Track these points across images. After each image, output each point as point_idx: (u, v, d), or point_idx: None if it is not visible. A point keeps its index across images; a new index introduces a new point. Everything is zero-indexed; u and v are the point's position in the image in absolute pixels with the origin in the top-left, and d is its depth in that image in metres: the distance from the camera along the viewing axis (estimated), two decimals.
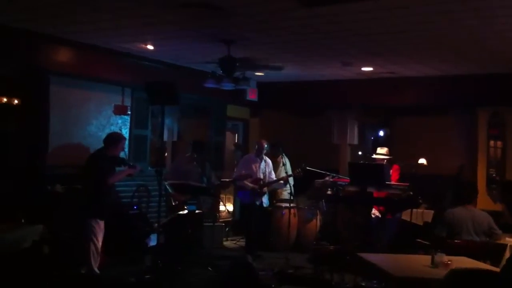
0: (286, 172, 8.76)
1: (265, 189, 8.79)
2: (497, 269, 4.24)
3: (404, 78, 9.39)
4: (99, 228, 6.63)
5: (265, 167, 8.84)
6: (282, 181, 8.92)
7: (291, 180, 8.91)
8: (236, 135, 11.71)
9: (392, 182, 7.86)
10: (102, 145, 6.97)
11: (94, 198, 6.61)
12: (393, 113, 10.71)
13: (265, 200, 8.85)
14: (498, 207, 8.21)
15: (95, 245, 6.58)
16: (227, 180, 9.31)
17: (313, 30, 6.43)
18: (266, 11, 5.73)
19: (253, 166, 8.76)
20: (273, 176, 8.96)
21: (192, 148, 8.29)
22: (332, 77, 9.73)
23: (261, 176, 8.74)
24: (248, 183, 8.63)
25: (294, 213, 9.13)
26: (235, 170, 9.14)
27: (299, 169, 8.75)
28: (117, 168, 6.92)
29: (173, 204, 7.90)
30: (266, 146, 8.82)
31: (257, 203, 8.68)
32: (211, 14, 5.84)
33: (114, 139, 6.90)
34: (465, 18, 5.66)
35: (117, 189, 7.89)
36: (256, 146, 8.94)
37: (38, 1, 5.77)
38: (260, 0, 5.38)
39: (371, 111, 10.66)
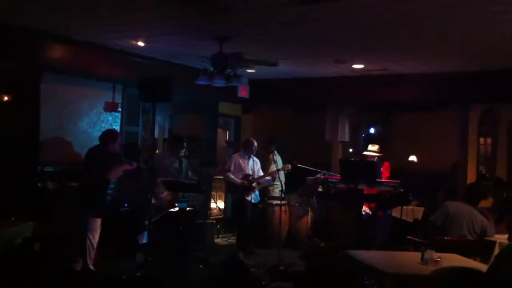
0: (276, 169, 8.80)
1: (255, 184, 8.81)
2: (485, 266, 4.28)
3: (397, 75, 9.39)
4: (96, 226, 6.66)
5: (254, 165, 8.86)
6: (270, 177, 8.93)
7: (282, 177, 8.93)
8: (228, 132, 11.71)
9: (383, 179, 7.91)
10: (94, 142, 6.98)
11: (94, 195, 6.62)
12: (386, 110, 10.74)
13: (254, 196, 8.87)
14: (487, 203, 8.27)
15: (91, 242, 6.61)
16: (219, 177, 9.34)
17: (307, 26, 6.43)
18: (260, 7, 5.72)
19: (242, 163, 8.78)
20: (262, 174, 8.99)
21: (167, 143, 8.24)
22: (324, 74, 9.72)
23: (250, 173, 8.76)
24: (236, 178, 8.67)
25: (286, 210, 9.15)
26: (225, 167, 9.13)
27: (288, 164, 8.78)
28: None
29: (152, 202, 7.85)
30: (256, 144, 8.82)
31: (248, 198, 8.71)
32: (205, 10, 5.83)
33: (112, 135, 6.92)
34: (459, 14, 5.66)
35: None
36: (245, 144, 8.96)
37: None
38: None
39: (363, 108, 10.69)
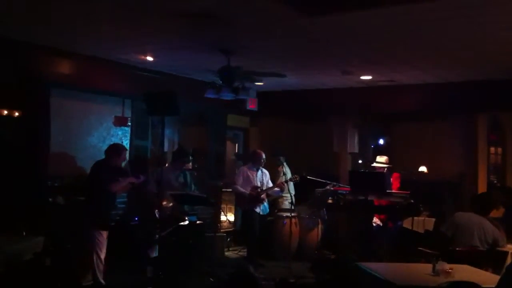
0: (285, 180, 8.78)
1: (263, 196, 8.79)
2: (497, 277, 4.25)
3: (403, 85, 9.40)
4: (103, 239, 6.67)
5: (262, 176, 8.85)
6: (278, 188, 8.91)
7: (292, 189, 8.91)
8: (237, 144, 11.72)
9: (393, 190, 7.87)
10: (103, 156, 7.01)
11: (98, 208, 6.65)
12: (393, 120, 10.72)
13: (263, 208, 8.85)
14: (499, 213, 8.21)
15: (99, 256, 6.61)
16: (227, 190, 9.34)
17: (313, 39, 6.47)
18: (267, 20, 5.76)
19: (250, 175, 8.77)
20: (271, 185, 8.98)
21: (172, 157, 8.25)
22: (332, 85, 9.75)
23: (258, 184, 8.75)
24: (244, 191, 8.66)
25: (295, 222, 9.11)
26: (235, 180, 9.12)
27: (296, 175, 8.77)
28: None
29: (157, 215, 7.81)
30: (264, 156, 8.82)
31: (257, 210, 8.69)
32: (212, 24, 5.88)
33: (116, 149, 6.96)
34: (464, 25, 5.69)
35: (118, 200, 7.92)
36: (253, 156, 8.96)
37: (39, 14, 5.82)
38: (260, 10, 5.41)
39: (371, 118, 10.68)
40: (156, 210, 7.38)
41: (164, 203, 7.32)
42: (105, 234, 6.71)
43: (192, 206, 7.92)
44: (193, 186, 8.16)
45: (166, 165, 8.17)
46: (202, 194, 7.92)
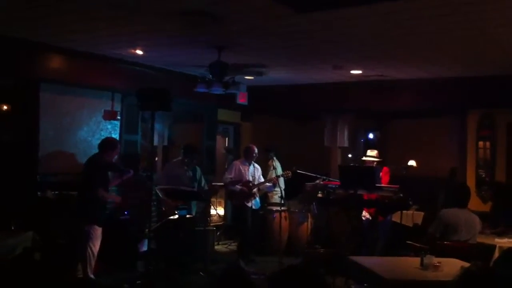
0: (276, 175, 8.80)
1: (255, 190, 8.81)
2: None
3: (395, 81, 9.41)
4: (97, 234, 6.66)
5: (254, 171, 8.86)
6: (270, 183, 8.94)
7: (282, 183, 8.93)
8: (227, 139, 11.73)
9: (383, 185, 7.91)
10: (93, 150, 7.00)
11: (93, 204, 6.63)
12: (385, 116, 10.75)
13: (255, 202, 8.86)
14: (487, 207, 8.28)
15: (92, 251, 6.60)
16: (218, 184, 9.34)
17: (306, 35, 6.46)
18: (259, 17, 5.75)
19: (242, 170, 8.79)
20: (262, 180, 8.99)
21: (183, 152, 8.27)
22: (323, 80, 9.75)
23: (250, 179, 8.77)
24: (237, 186, 8.67)
25: (285, 217, 9.14)
26: (225, 174, 9.14)
27: (288, 171, 8.79)
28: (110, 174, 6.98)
29: (163, 209, 7.89)
30: (256, 151, 8.84)
31: (249, 205, 8.70)
32: (206, 21, 5.85)
33: (111, 144, 6.94)
34: (455, 22, 5.70)
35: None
36: (245, 151, 8.97)
37: (31, 11, 5.77)
38: (254, 7, 5.40)
39: (363, 114, 10.70)
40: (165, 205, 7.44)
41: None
42: (99, 229, 6.70)
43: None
44: (203, 181, 8.18)
45: (156, 159, 8.17)
46: (194, 189, 7.92)
